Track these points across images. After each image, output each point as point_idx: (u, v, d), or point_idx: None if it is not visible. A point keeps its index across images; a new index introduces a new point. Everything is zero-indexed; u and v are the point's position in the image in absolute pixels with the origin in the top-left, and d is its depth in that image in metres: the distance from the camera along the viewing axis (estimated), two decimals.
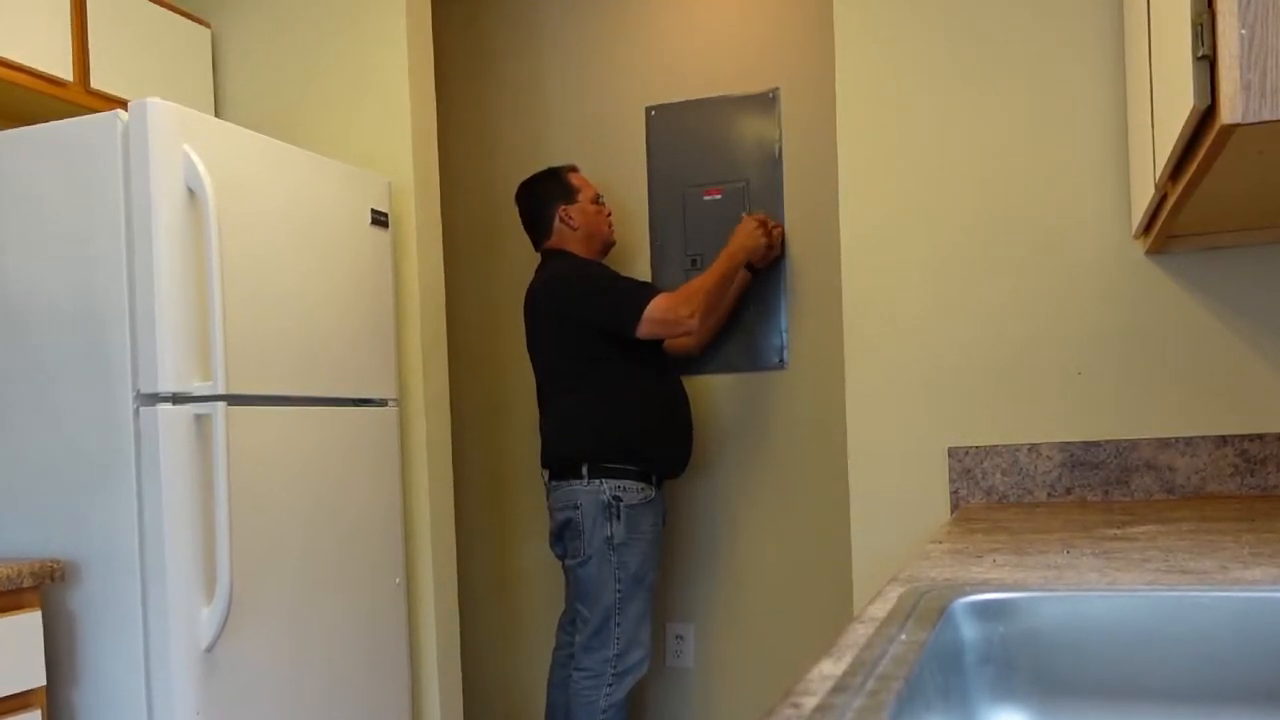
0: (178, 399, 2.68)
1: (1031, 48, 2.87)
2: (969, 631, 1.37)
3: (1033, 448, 2.83)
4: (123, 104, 3.14)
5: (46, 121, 2.82)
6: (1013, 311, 2.88)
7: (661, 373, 3.75)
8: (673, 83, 4.16)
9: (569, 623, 3.80)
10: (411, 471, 3.53)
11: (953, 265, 2.93)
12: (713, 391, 4.11)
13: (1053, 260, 2.85)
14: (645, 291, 3.54)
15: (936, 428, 2.94)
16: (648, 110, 4.19)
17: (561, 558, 3.69)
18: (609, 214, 3.87)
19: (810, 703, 0.95)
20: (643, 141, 4.20)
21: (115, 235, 2.67)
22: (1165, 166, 1.93)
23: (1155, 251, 2.75)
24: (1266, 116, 1.34)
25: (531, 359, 3.75)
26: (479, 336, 4.43)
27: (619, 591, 3.55)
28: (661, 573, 4.09)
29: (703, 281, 3.57)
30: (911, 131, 2.97)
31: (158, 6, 3.42)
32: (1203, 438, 2.72)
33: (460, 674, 3.67)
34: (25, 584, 2.50)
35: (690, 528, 4.16)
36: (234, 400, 2.79)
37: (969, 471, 2.88)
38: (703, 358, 4.10)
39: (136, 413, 2.67)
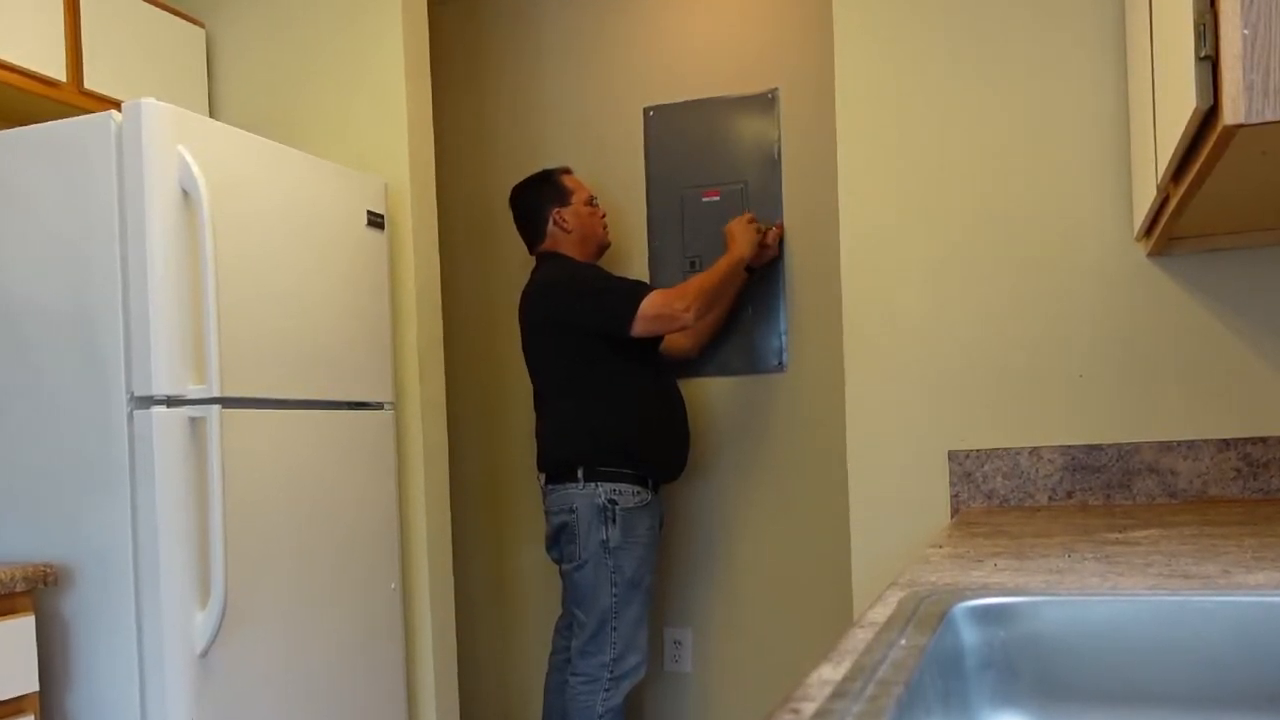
0: (172, 402, 2.67)
1: (1032, 48, 2.86)
2: (969, 636, 1.36)
3: (1034, 451, 2.82)
4: (117, 104, 3.12)
5: (40, 122, 2.82)
6: (1013, 313, 2.87)
7: (658, 375, 3.74)
8: (671, 83, 4.16)
9: (565, 627, 3.80)
10: (408, 475, 3.52)
11: (953, 267, 2.92)
12: (711, 394, 4.10)
13: (1054, 262, 2.84)
14: (639, 290, 3.53)
15: (937, 431, 2.93)
16: (646, 111, 4.19)
17: (558, 562, 3.69)
18: (603, 216, 3.86)
19: (809, 708, 0.94)
20: (641, 142, 4.19)
21: (109, 237, 2.67)
22: (1167, 168, 1.93)
23: (1157, 253, 2.74)
24: (1269, 117, 1.34)
25: (527, 363, 3.74)
26: (475, 339, 4.43)
27: (615, 596, 3.54)
28: (659, 577, 4.08)
29: (702, 279, 3.56)
30: (912, 132, 2.96)
31: (152, 6, 3.41)
32: (1205, 441, 2.71)
33: (457, 678, 3.66)
34: (18, 588, 2.49)
35: (689, 532, 4.15)
36: (229, 403, 2.78)
37: (969, 475, 2.87)
38: (701, 360, 4.09)
39: (130, 416, 2.66)
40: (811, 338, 3.98)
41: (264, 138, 3.00)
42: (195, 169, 2.69)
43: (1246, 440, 2.68)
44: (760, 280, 4.01)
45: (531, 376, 3.75)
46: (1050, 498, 2.81)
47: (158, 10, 3.44)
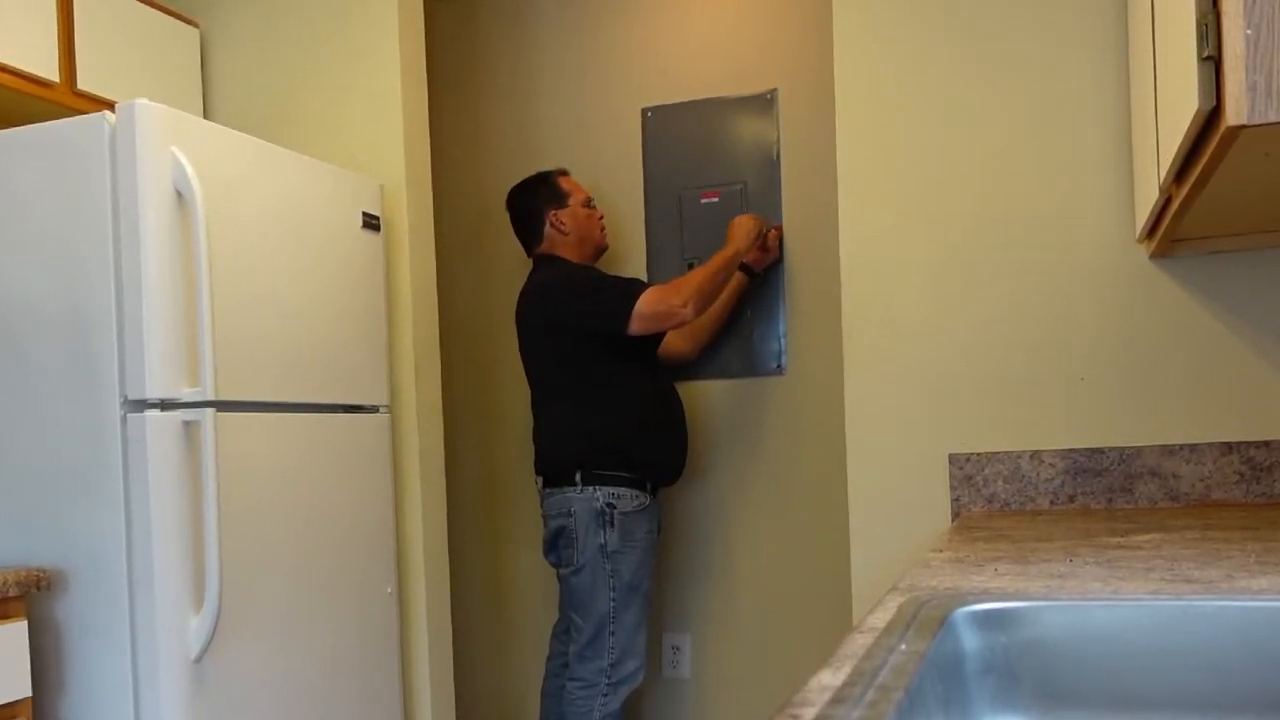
0: (166, 405, 2.66)
1: (1033, 48, 2.86)
2: (970, 641, 1.36)
3: (1035, 454, 2.81)
4: (110, 105, 3.12)
5: (32, 123, 2.80)
6: (1014, 316, 2.87)
7: (656, 378, 3.73)
8: (669, 84, 4.15)
9: (563, 631, 3.79)
10: (403, 478, 3.51)
11: (953, 269, 2.91)
12: (710, 397, 4.09)
13: (1055, 264, 2.84)
14: (635, 287, 3.51)
15: (937, 434, 2.93)
16: (644, 112, 4.18)
17: (555, 566, 3.68)
18: (601, 217, 3.85)
19: (809, 714, 0.94)
20: (639, 143, 4.18)
21: (102, 238, 2.65)
22: (1169, 169, 1.93)
23: (1159, 255, 2.73)
24: (1272, 118, 1.34)
25: (524, 365, 3.73)
26: (472, 342, 4.42)
27: (613, 600, 3.53)
28: (657, 582, 4.07)
29: (698, 274, 3.54)
30: (912, 133, 2.95)
31: (145, 6, 3.40)
32: (1208, 444, 2.70)
33: (453, 683, 3.65)
34: (11, 593, 2.48)
35: (687, 536, 4.14)
36: (223, 406, 2.77)
37: (970, 479, 2.86)
38: (700, 363, 4.07)
39: (124, 419, 2.65)
40: (811, 340, 3.97)
41: (259, 138, 3.02)
42: (189, 170, 2.67)
43: (1249, 444, 2.68)
44: (760, 283, 4.00)
45: (529, 379, 3.73)
46: (1051, 501, 2.80)
47: (151, 10, 3.43)
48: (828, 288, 3.92)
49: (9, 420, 2.75)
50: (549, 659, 3.87)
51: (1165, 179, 2.02)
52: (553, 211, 3.75)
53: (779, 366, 4.01)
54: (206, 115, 3.68)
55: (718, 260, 3.60)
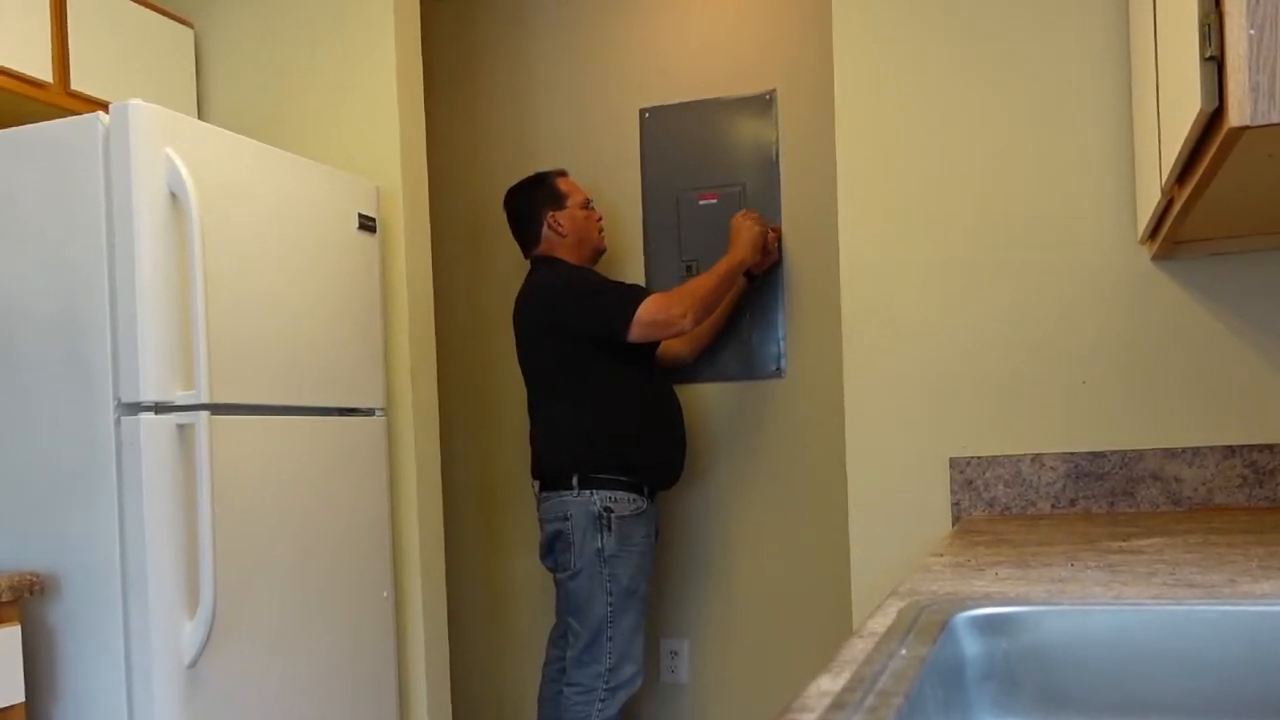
0: (160, 408, 2.65)
1: (1034, 48, 2.85)
2: (971, 646, 1.36)
3: (1036, 458, 2.80)
4: (104, 106, 3.11)
5: (25, 124, 2.80)
6: (1015, 318, 2.86)
7: (654, 381, 3.72)
8: (667, 84, 4.14)
9: (559, 636, 3.78)
10: (400, 482, 3.50)
11: (954, 271, 2.91)
12: (709, 400, 4.08)
13: (1056, 266, 2.83)
14: (635, 294, 3.50)
15: (938, 438, 2.92)
16: (642, 112, 4.17)
17: (552, 570, 3.67)
18: (599, 219, 3.84)
19: (808, 719, 0.94)
20: (636, 144, 4.17)
21: (96, 240, 2.65)
22: (1172, 170, 1.93)
23: (1161, 257, 2.73)
24: (1276, 119, 1.34)
25: (521, 368, 3.73)
26: (468, 344, 4.41)
27: (611, 605, 3.52)
28: (655, 586, 4.06)
29: (699, 282, 3.53)
30: (912, 134, 2.95)
31: (140, 6, 3.40)
32: (1210, 448, 2.70)
33: (449, 689, 3.65)
34: (3, 598, 2.48)
35: (685, 540, 4.13)
36: (217, 409, 2.76)
37: (971, 483, 2.85)
38: (698, 365, 4.07)
39: (117, 422, 2.64)
40: (810, 343, 3.96)
41: (254, 139, 3.00)
42: (184, 171, 2.67)
43: (1252, 447, 2.67)
44: (759, 285, 3.99)
45: (526, 382, 3.73)
46: (1053, 505, 2.80)
47: (146, 10, 3.42)
48: (827, 290, 3.91)
49: (2, 423, 2.74)
50: (546, 664, 3.86)
51: (1167, 180, 2.02)
52: (550, 213, 3.74)
53: (778, 369, 4.00)
54: (201, 116, 3.68)
55: (721, 270, 3.59)
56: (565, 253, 3.75)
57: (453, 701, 4.10)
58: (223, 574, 2.74)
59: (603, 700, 3.54)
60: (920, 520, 2.92)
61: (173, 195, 2.68)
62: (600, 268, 3.90)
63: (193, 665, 2.65)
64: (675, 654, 4.14)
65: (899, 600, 1.48)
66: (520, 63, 4.33)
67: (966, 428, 2.89)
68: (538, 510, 3.66)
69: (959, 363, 2.90)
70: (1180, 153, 1.77)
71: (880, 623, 1.34)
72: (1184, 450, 2.71)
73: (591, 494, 3.51)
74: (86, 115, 2.67)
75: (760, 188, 4.02)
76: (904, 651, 1.17)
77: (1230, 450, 2.68)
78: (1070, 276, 2.82)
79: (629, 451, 3.56)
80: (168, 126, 2.68)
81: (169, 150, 2.67)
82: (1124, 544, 2.04)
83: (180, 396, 2.67)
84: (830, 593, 3.95)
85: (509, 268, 4.28)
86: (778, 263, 3.96)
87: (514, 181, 3.94)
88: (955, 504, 2.87)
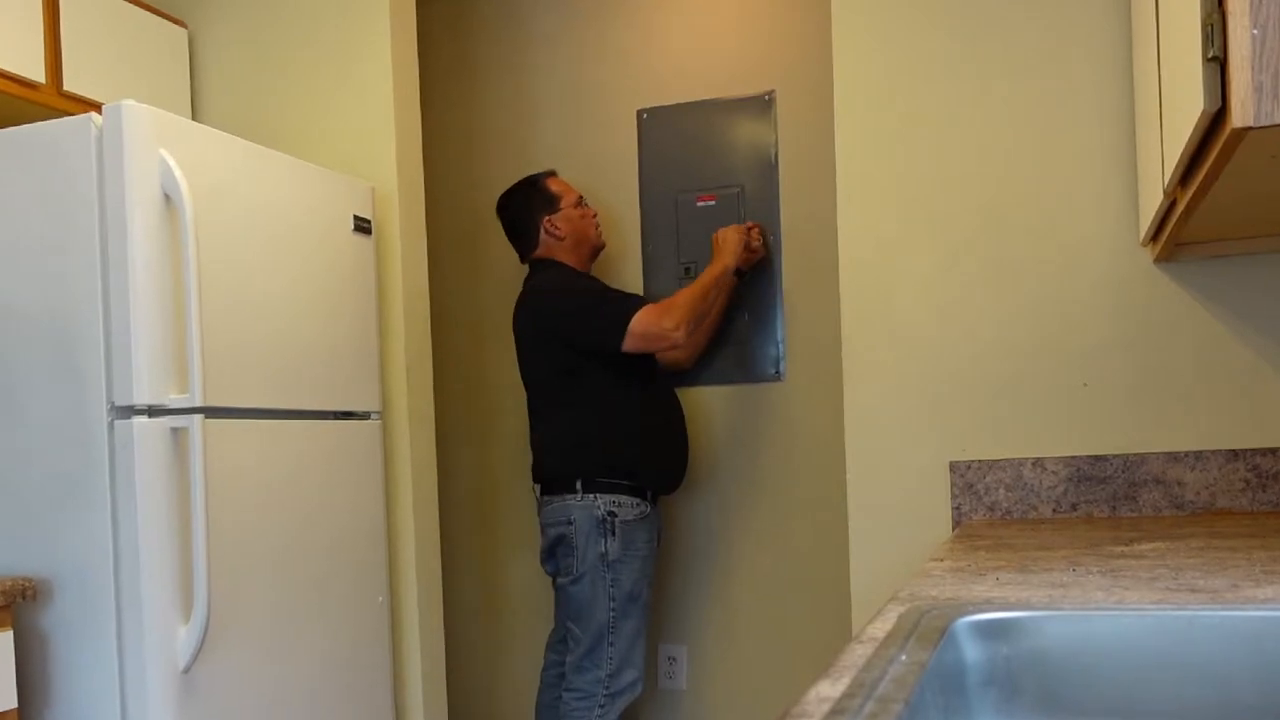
0: (153, 412, 2.65)
1: (1035, 48, 2.85)
2: (971, 652, 1.35)
3: (1037, 462, 2.79)
4: (97, 107, 3.12)
5: (17, 125, 2.79)
6: (1016, 321, 2.85)
7: (656, 385, 3.73)
8: (665, 85, 4.13)
9: (559, 642, 3.77)
10: (395, 486, 3.49)
11: (954, 273, 2.90)
12: (707, 404, 4.07)
13: (1058, 268, 2.82)
14: (629, 306, 3.50)
15: (938, 441, 2.91)
16: (639, 113, 4.16)
17: (553, 575, 3.66)
18: (595, 215, 3.84)
19: None
20: (634, 146, 4.17)
21: (89, 242, 2.64)
22: (1174, 171, 1.92)
23: (1164, 259, 2.71)
24: (1279, 120, 1.33)
25: (521, 372, 3.72)
26: (465, 346, 4.40)
27: (613, 610, 3.52)
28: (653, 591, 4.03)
29: (689, 294, 3.54)
30: (912, 136, 2.94)
31: (133, 6, 3.40)
32: (1213, 452, 2.69)
33: (445, 695, 3.64)
34: None
35: (683, 544, 4.12)
36: (211, 413, 2.76)
37: (971, 486, 2.84)
38: (697, 369, 4.06)
39: (111, 426, 2.63)
40: (809, 346, 3.96)
41: (248, 140, 3.03)
42: (177, 173, 2.66)
43: (1255, 451, 2.66)
44: (757, 287, 3.98)
45: (526, 386, 3.72)
46: (1054, 510, 2.79)
47: (139, 10, 3.42)
48: (826, 292, 3.90)
49: None
50: (544, 670, 3.85)
51: (1170, 182, 2.00)
52: (546, 218, 3.73)
53: (777, 373, 3.99)
54: (195, 117, 3.68)
55: (707, 279, 3.60)
56: (564, 255, 3.74)
57: (448, 708, 4.09)
58: (217, 579, 2.73)
59: (602, 707, 3.53)
60: (920, 524, 2.91)
61: (166, 197, 2.67)
62: (598, 269, 3.89)
63: (187, 671, 2.64)
64: (673, 659, 4.13)
65: (899, 605, 1.48)
66: (517, 63, 4.33)
67: (967, 431, 2.88)
68: (539, 515, 3.65)
69: (959, 365, 2.89)
70: (1182, 154, 1.76)
71: (880, 628, 1.33)
72: (1186, 454, 2.70)
73: (595, 498, 3.51)
74: (79, 116, 2.67)
75: (759, 189, 4.01)
76: (904, 657, 1.16)
77: (1233, 454, 2.67)
78: (1072, 278, 2.81)
79: (632, 456, 3.56)
80: (161, 127, 2.68)
81: (163, 151, 2.66)
82: (1126, 548, 2.03)
83: (174, 400, 2.67)
84: (829, 597, 3.94)
85: (505, 269, 4.27)
86: (765, 258, 3.94)
87: (510, 183, 3.94)
88: (955, 508, 2.86)
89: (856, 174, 2.98)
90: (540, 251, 3.76)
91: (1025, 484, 2.80)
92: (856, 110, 2.98)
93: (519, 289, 3.78)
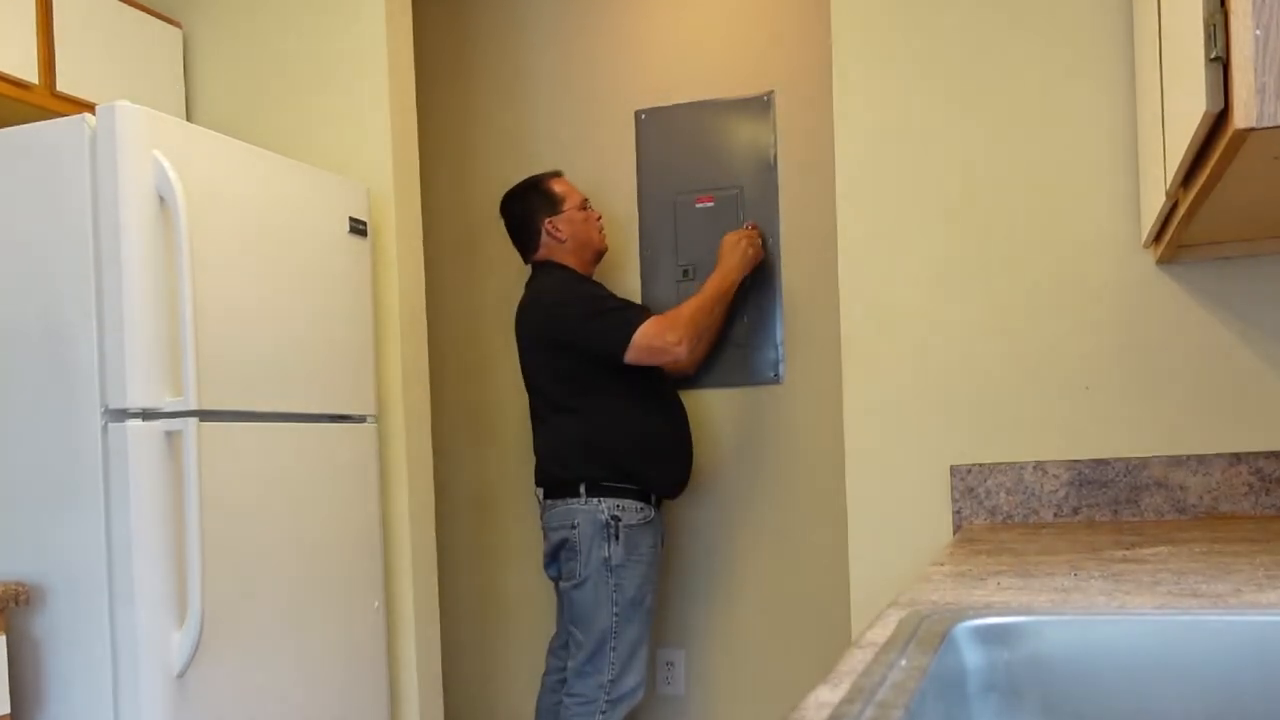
0: (147, 415, 2.64)
1: (1036, 49, 2.84)
2: (972, 657, 1.35)
3: (1038, 466, 2.79)
4: (90, 107, 3.10)
5: (10, 126, 2.78)
6: (1017, 323, 2.85)
7: (661, 388, 3.72)
8: (663, 85, 4.13)
9: (560, 647, 3.76)
10: (391, 490, 3.48)
11: (954, 275, 2.89)
12: (706, 406, 4.06)
13: (1059, 270, 2.82)
14: (633, 317, 3.50)
15: (938, 445, 2.90)
16: (637, 114, 4.15)
17: (556, 579, 3.66)
18: (599, 218, 3.83)
19: None
20: (632, 147, 4.16)
21: (82, 244, 2.64)
22: (1176, 173, 1.92)
23: (1166, 261, 2.71)
24: None
25: (524, 376, 3.72)
26: (462, 349, 4.39)
27: (616, 615, 3.51)
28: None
29: (694, 307, 3.54)
30: (912, 137, 2.93)
31: (127, 6, 3.40)
32: (1216, 455, 2.68)
33: (442, 701, 3.63)
34: None
35: (680, 548, 4.12)
36: (206, 416, 2.75)
37: (972, 490, 2.83)
38: (696, 372, 4.03)
39: (104, 429, 2.62)
40: (809, 348, 3.95)
41: (243, 141, 3.01)
42: (171, 174, 2.65)
43: (1258, 454, 2.65)
44: (756, 289, 3.97)
45: (529, 390, 3.72)
46: (1056, 514, 2.78)
47: (133, 10, 3.42)
48: (826, 294, 3.89)
49: None
50: (545, 675, 3.84)
51: (1172, 183, 2.00)
52: (548, 219, 3.72)
53: (776, 375, 3.98)
54: (189, 117, 3.67)
55: (712, 292, 3.61)
56: (566, 257, 3.73)
57: (446, 713, 4.09)
58: (211, 583, 2.72)
59: (603, 712, 3.52)
60: (921, 528, 2.90)
61: (160, 198, 2.67)
62: (597, 271, 3.87)
63: (181, 676, 2.64)
64: (671, 664, 4.12)
65: (899, 610, 1.47)
66: (514, 63, 4.32)
67: (968, 434, 2.87)
68: (542, 519, 3.65)
69: (960, 368, 2.88)
70: (1185, 155, 1.75)
71: (880, 633, 1.33)
72: (1189, 457, 2.69)
73: (599, 502, 3.50)
74: (72, 117, 2.67)
75: (758, 191, 4.00)
76: (904, 662, 1.16)
77: (1236, 458, 2.66)
78: (1073, 280, 2.80)
79: (636, 460, 3.56)
80: (155, 128, 2.67)
81: (156, 152, 2.66)
82: (1128, 553, 2.03)
83: (168, 403, 2.66)
84: (829, 602, 3.92)
85: (503, 271, 4.27)
86: (765, 261, 3.93)
87: (508, 183, 3.93)
88: (956, 512, 2.85)
89: (856, 175, 2.97)
90: (541, 253, 3.75)
91: (1026, 488, 2.79)
92: (856, 111, 2.97)
93: (517, 291, 3.78)
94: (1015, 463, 2.80)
